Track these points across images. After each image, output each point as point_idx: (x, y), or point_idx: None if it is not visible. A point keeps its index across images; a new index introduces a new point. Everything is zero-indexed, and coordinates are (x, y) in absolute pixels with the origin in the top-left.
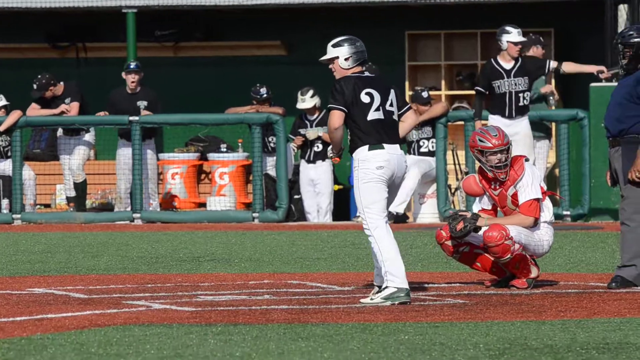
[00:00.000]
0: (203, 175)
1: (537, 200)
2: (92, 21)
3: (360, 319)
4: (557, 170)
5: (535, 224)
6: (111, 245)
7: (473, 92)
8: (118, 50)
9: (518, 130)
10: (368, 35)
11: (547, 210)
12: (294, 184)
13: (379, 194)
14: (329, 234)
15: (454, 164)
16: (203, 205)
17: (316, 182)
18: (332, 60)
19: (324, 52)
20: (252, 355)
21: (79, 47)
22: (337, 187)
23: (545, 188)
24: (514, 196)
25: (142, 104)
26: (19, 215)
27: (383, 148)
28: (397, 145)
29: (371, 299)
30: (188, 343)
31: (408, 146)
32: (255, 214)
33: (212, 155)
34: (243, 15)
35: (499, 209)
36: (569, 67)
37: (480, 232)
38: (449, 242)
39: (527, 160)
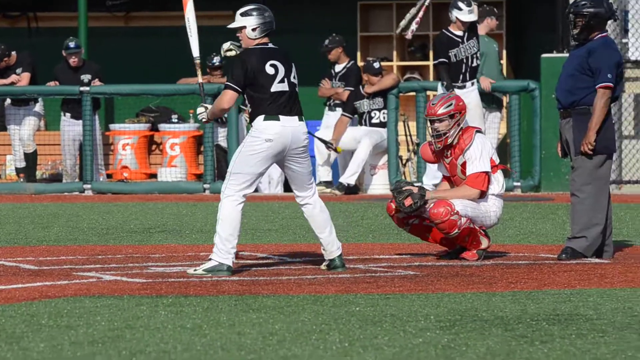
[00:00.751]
0: (154, 146)
1: (485, 173)
2: None
3: (311, 291)
4: (507, 141)
5: (482, 197)
6: (61, 216)
7: (424, 63)
8: (69, 20)
9: (468, 101)
10: (321, 6)
11: (497, 183)
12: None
13: (251, 168)
14: (280, 205)
15: (405, 135)
16: (154, 176)
17: None
18: (240, 29)
19: (275, 22)
20: (202, 326)
21: (30, 17)
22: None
23: (497, 161)
24: (463, 165)
25: (85, 77)
26: None
27: (278, 120)
28: (296, 117)
29: (194, 270)
30: (139, 315)
31: (360, 117)
32: (206, 185)
33: (163, 126)
34: None
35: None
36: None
37: (427, 208)
38: (399, 215)
39: (479, 131)
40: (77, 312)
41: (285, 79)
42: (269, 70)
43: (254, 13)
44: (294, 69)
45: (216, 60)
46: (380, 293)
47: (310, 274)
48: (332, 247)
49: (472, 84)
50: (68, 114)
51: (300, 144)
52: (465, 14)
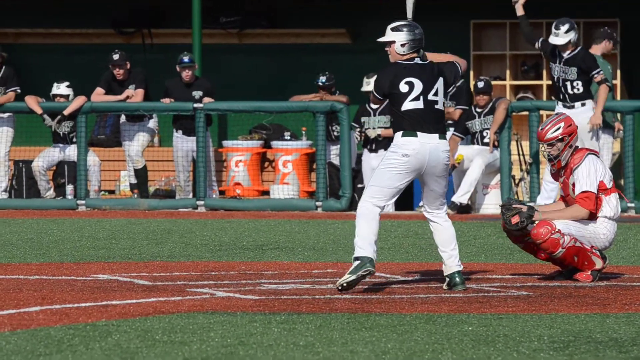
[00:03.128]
0: (267, 163)
1: (593, 192)
2: (158, 8)
3: (424, 310)
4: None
5: (591, 217)
6: (175, 232)
7: (537, 82)
8: (183, 36)
9: (578, 121)
10: (433, 24)
11: (609, 206)
12: (357, 173)
13: (389, 181)
14: (392, 223)
15: (518, 154)
16: (266, 193)
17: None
18: (390, 43)
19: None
20: (315, 344)
21: (144, 33)
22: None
23: (608, 185)
24: (574, 185)
25: (197, 94)
26: (83, 201)
27: (416, 136)
28: (436, 135)
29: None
30: (252, 331)
31: (472, 136)
32: (318, 203)
33: (275, 143)
34: (307, 3)
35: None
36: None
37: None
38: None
39: (592, 153)
40: (191, 328)
41: (422, 97)
42: (403, 88)
43: (405, 29)
44: (437, 86)
45: (324, 79)
46: (493, 313)
47: (423, 292)
48: (452, 262)
49: (583, 104)
50: (180, 131)
51: (439, 162)
52: (553, 37)
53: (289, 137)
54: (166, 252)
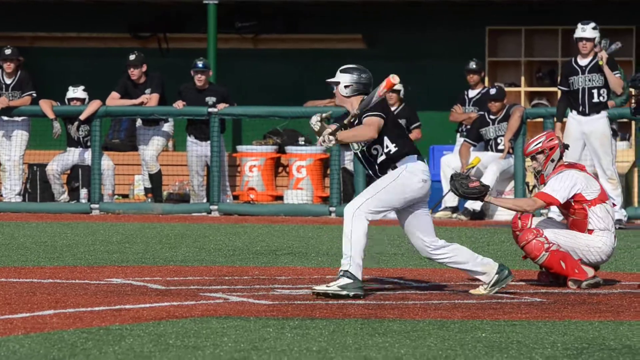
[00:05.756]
0: (280, 168)
1: (549, 195)
2: (174, 12)
3: (437, 316)
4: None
5: (582, 230)
6: (189, 236)
7: (552, 89)
8: (199, 41)
9: (594, 128)
10: (448, 30)
11: (594, 217)
12: (370, 179)
13: (394, 202)
14: None
15: None
16: (280, 198)
17: None
18: (336, 84)
19: (404, 46)
20: (329, 349)
21: (160, 38)
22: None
23: (588, 197)
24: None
25: (210, 100)
26: (97, 205)
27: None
28: None
29: (327, 286)
30: (265, 336)
31: (485, 143)
32: (332, 208)
33: (290, 149)
34: (323, 8)
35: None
36: None
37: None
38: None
39: (574, 169)
40: (204, 333)
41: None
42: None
43: (352, 72)
44: None
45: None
46: (507, 319)
47: (436, 299)
48: (487, 269)
49: (597, 112)
50: (192, 135)
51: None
52: (579, 31)
53: (303, 143)
54: (180, 257)
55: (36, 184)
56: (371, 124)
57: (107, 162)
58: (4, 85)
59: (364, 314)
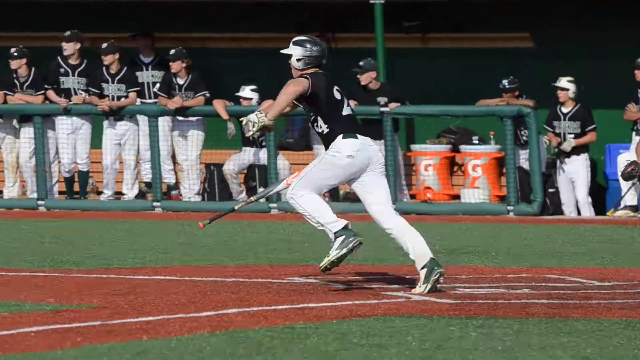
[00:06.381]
0: (455, 167)
1: None
2: (341, 12)
3: (622, 315)
4: None
5: None
6: (368, 236)
7: None
8: (366, 41)
9: None
10: (613, 26)
11: None
12: (548, 178)
13: (325, 180)
14: (585, 228)
15: None
16: (456, 197)
17: (572, 176)
18: (289, 57)
19: (574, 43)
20: (514, 349)
21: (329, 37)
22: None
23: None
24: None
25: (382, 100)
26: (275, 205)
27: (357, 138)
28: (369, 138)
29: (327, 257)
30: (449, 335)
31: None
32: (510, 207)
33: (464, 147)
34: (489, 7)
35: None
36: None
37: None
38: None
39: None
40: (388, 332)
41: (349, 104)
42: (336, 94)
43: (306, 44)
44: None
45: (505, 82)
46: None
47: (620, 298)
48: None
49: None
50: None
51: (378, 162)
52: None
53: (477, 142)
54: (360, 256)
55: (214, 183)
56: (288, 84)
57: (282, 161)
58: (176, 86)
59: (548, 313)
